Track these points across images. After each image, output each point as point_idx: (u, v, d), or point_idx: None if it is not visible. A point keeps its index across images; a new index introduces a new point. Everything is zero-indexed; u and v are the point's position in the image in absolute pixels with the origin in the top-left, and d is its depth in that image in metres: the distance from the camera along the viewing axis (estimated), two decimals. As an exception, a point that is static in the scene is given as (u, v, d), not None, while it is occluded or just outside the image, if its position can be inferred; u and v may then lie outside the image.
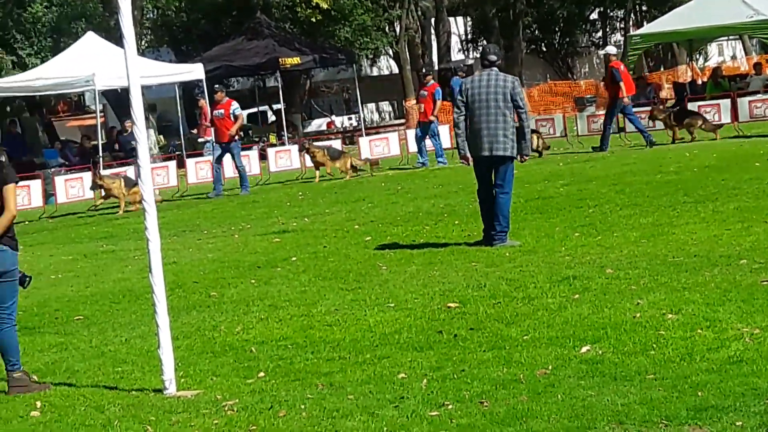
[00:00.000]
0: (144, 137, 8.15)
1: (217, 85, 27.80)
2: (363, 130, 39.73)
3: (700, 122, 25.99)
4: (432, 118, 27.18)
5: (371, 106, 58.25)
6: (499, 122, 13.30)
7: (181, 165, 29.44)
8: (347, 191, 23.04)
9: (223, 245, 16.41)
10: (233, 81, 52.27)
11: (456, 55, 57.95)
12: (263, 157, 29.99)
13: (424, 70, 31.31)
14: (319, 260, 13.82)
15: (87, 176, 27.57)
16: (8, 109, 48.54)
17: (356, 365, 8.33)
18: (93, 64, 29.35)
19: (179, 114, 36.66)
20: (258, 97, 50.24)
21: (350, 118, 52.42)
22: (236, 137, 26.01)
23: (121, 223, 22.33)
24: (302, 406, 7.31)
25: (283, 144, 34.66)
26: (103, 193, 25.26)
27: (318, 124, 53.06)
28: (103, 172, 26.31)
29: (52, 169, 31.97)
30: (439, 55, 54.02)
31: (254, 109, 49.79)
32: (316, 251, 14.61)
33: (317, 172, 26.61)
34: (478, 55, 13.07)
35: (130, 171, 25.48)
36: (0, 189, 8.50)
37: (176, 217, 21.67)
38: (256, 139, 39.23)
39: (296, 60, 39.36)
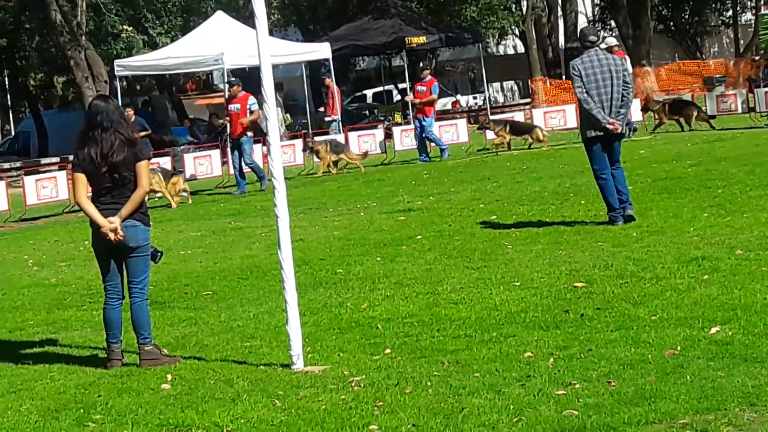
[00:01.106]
0: (274, 115, 8.23)
1: (233, 78, 26.70)
2: (488, 109, 39.60)
3: (695, 112, 26.70)
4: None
5: (496, 85, 58.00)
6: (614, 99, 13.34)
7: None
8: (471, 171, 23.01)
9: (349, 223, 16.51)
10: (359, 60, 52.51)
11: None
12: (389, 136, 30.06)
13: (421, 65, 30.86)
14: (444, 239, 13.83)
15: (215, 154, 27.96)
16: (138, 87, 49.42)
17: (482, 343, 8.33)
18: (222, 43, 29.71)
19: (305, 93, 36.94)
20: (383, 76, 50.38)
21: (475, 98, 52.24)
22: (248, 132, 24.48)
23: (248, 200, 22.61)
24: (428, 383, 7.34)
25: (408, 123, 34.73)
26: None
27: (443, 103, 53.02)
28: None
29: (182, 147, 32.48)
30: (566, 34, 53.54)
31: (380, 88, 49.95)
32: (441, 230, 14.62)
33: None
34: (592, 37, 12.87)
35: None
36: (134, 165, 8.67)
37: (302, 195, 21.85)
38: (382, 118, 39.36)
39: (422, 39, 39.37)
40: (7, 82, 52.66)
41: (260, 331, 9.62)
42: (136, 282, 8.79)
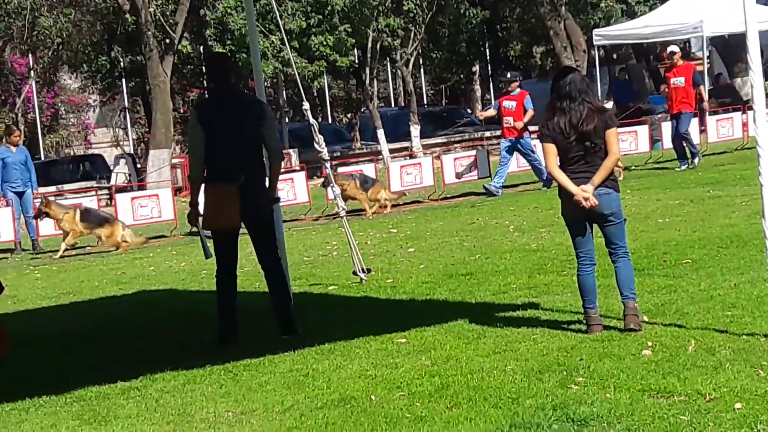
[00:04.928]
0: (760, 82, 8.05)
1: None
2: None
3: None
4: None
5: None
6: None
7: None
8: None
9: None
10: None
11: None
12: None
13: (508, 75, 24.73)
14: None
15: (736, 116, 27.74)
16: (615, 56, 49.47)
17: None
18: (701, 11, 29.25)
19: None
20: None
21: None
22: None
23: (726, 169, 22.18)
24: None
25: None
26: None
27: None
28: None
29: (659, 115, 32.24)
30: None
31: None
32: None
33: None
34: None
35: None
36: (603, 133, 8.76)
37: None
38: None
39: None
40: (488, 53, 54.19)
41: (741, 300, 9.47)
42: (618, 245, 8.89)
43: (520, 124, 22.64)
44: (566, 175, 8.81)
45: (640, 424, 6.35)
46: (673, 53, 24.15)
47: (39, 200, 21.25)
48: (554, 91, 8.92)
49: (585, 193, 8.70)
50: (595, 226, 8.95)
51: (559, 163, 8.89)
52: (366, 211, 22.18)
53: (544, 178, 22.64)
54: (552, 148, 8.87)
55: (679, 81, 23.37)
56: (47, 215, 20.60)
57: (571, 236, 9.08)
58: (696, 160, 23.60)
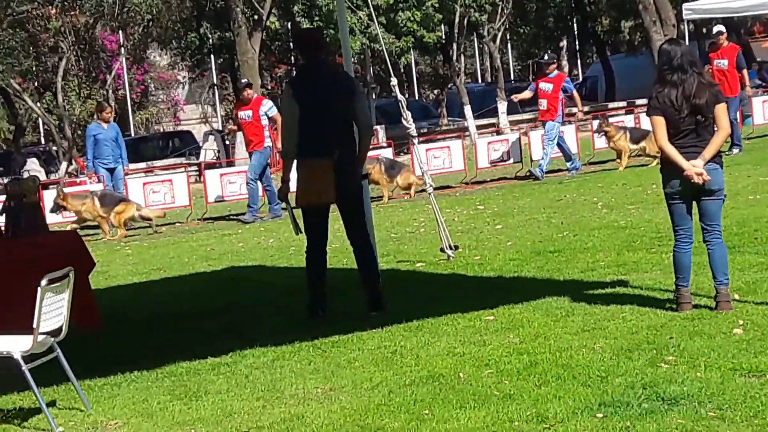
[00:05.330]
0: None
1: (244, 80, 23.14)
2: None
3: None
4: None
5: None
6: None
7: None
8: None
9: None
10: None
11: None
12: None
13: (545, 57, 24.43)
14: None
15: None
16: (704, 30, 48.79)
17: None
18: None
19: None
20: None
21: None
22: (266, 145, 20.63)
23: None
24: None
25: None
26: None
27: None
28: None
29: (751, 90, 31.79)
30: None
31: None
32: None
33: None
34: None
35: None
36: (713, 107, 8.64)
37: None
38: None
39: None
40: (576, 28, 53.81)
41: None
42: (714, 224, 8.76)
43: (580, 114, 22.53)
44: (676, 150, 8.66)
45: (731, 404, 6.30)
46: (720, 33, 23.01)
47: (55, 192, 20.84)
48: (664, 64, 8.74)
49: (697, 168, 8.58)
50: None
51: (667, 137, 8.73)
52: (384, 197, 21.86)
53: (543, 171, 22.48)
54: (661, 120, 8.69)
55: (722, 63, 22.54)
56: (65, 208, 20.58)
57: (671, 213, 8.92)
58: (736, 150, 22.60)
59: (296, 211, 10.32)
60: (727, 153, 21.92)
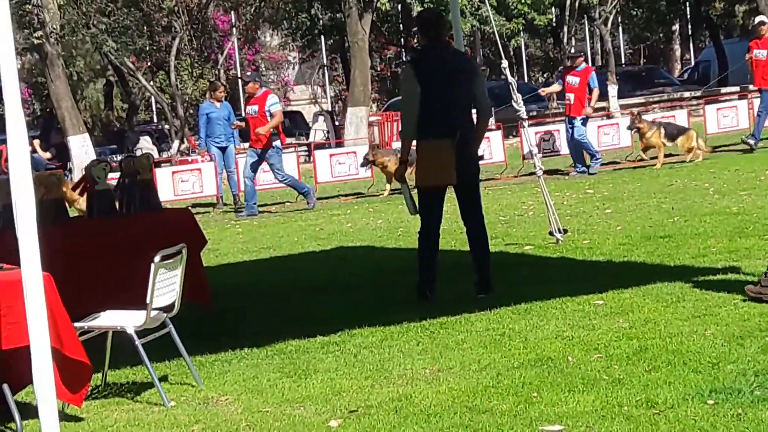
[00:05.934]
0: None
1: (248, 73, 21.81)
2: None
3: None
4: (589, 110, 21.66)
5: None
6: None
7: None
8: None
9: None
10: None
11: None
12: None
13: (572, 51, 23.26)
14: None
15: None
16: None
17: None
18: None
19: None
20: None
21: None
22: (274, 143, 20.01)
23: None
24: None
25: None
26: None
27: None
28: None
29: None
30: None
31: None
32: None
33: None
34: None
35: None
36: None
37: None
38: None
39: None
40: (688, 11, 53.08)
41: None
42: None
43: (589, 110, 21.95)
44: None
45: None
46: (762, 23, 22.05)
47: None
48: None
49: None
50: None
51: None
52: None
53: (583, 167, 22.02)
54: None
55: (761, 53, 21.74)
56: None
57: None
58: (751, 141, 21.83)
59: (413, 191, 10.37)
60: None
